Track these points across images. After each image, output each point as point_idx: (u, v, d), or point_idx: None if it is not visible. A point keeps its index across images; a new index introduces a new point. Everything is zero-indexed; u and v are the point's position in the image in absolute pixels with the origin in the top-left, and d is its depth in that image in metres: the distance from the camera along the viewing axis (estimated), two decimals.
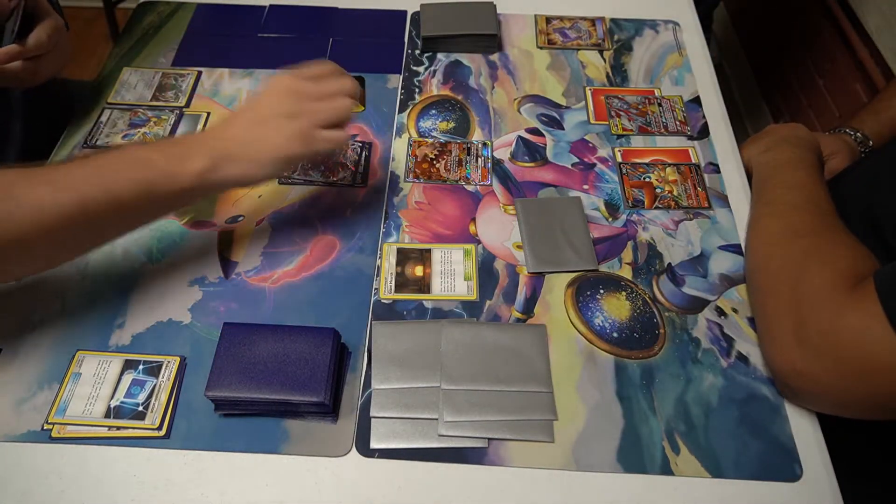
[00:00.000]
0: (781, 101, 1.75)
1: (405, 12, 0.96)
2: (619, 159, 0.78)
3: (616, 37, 0.93)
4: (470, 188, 0.75)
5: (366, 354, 0.61)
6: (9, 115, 0.80)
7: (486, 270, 0.67)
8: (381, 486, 0.54)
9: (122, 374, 0.59)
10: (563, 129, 0.81)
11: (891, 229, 0.64)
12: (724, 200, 0.74)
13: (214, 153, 0.57)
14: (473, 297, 0.65)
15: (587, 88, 0.86)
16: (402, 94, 0.85)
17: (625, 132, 0.81)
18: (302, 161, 0.69)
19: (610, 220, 0.72)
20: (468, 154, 0.78)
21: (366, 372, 0.60)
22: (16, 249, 0.50)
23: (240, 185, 0.62)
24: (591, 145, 0.80)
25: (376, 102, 0.84)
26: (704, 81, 0.87)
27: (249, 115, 0.60)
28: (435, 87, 0.86)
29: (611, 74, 0.88)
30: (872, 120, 0.86)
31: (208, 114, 0.82)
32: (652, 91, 0.86)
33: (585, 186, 0.75)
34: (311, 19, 0.95)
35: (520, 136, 0.80)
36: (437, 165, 0.77)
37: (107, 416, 0.57)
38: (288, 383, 0.55)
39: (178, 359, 0.60)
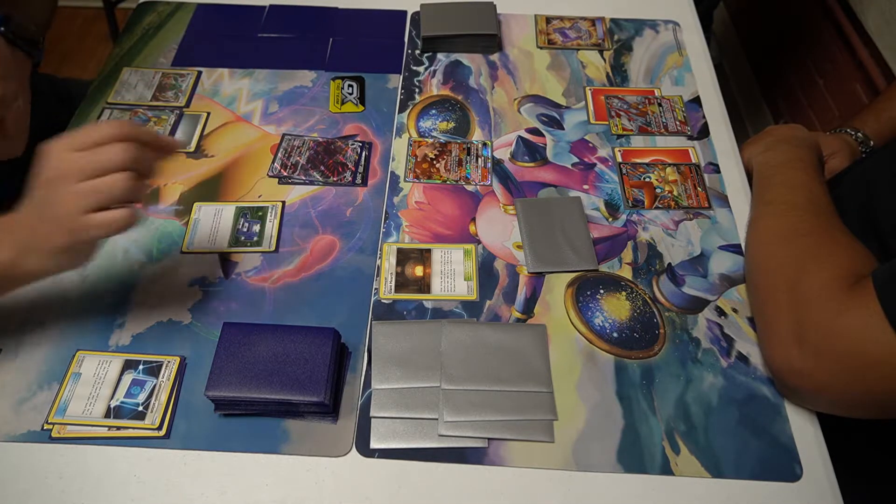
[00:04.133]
0: (781, 101, 1.75)
1: (405, 12, 0.96)
2: (619, 159, 0.78)
3: (616, 37, 0.93)
4: (470, 188, 0.75)
5: (366, 354, 0.61)
6: None
7: (486, 270, 0.67)
8: (381, 486, 0.54)
9: (122, 374, 0.59)
10: (563, 129, 0.81)
11: (890, 229, 0.64)
12: (724, 200, 0.74)
13: (18, 243, 0.52)
14: (473, 297, 0.65)
15: (587, 88, 0.86)
16: (402, 94, 0.85)
17: (625, 132, 0.81)
18: (84, 249, 0.54)
19: (610, 220, 0.72)
20: (468, 154, 0.78)
21: (366, 372, 0.60)
22: None
23: (40, 278, 0.55)
24: (591, 145, 0.80)
25: (376, 102, 0.84)
26: (704, 81, 0.87)
27: (34, 194, 0.53)
28: (435, 87, 0.86)
29: (611, 74, 0.88)
30: (873, 120, 0.86)
31: (208, 114, 0.82)
32: (652, 91, 0.86)
33: (585, 186, 0.75)
34: (311, 19, 0.95)
35: (520, 136, 0.80)
36: (437, 165, 0.77)
37: (107, 416, 0.57)
38: (288, 383, 0.55)
39: (178, 359, 0.60)
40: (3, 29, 0.68)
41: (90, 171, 0.50)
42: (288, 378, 0.55)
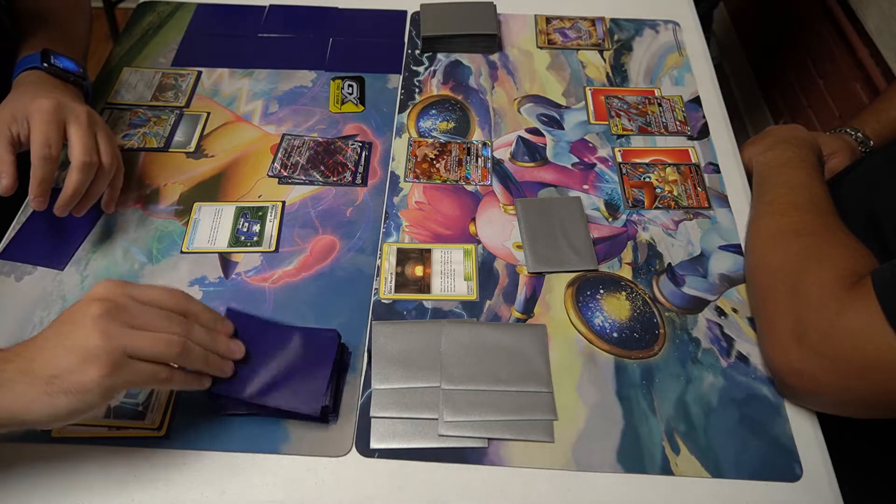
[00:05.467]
0: (781, 101, 1.75)
1: (405, 12, 0.96)
2: (619, 159, 0.78)
3: (616, 37, 0.93)
4: (470, 188, 0.75)
5: (366, 354, 0.61)
6: None
7: (486, 270, 0.67)
8: (381, 486, 0.54)
9: None
10: (563, 129, 0.81)
11: (890, 229, 0.64)
12: (724, 200, 0.74)
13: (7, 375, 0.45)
14: (473, 297, 0.65)
15: (587, 88, 0.86)
16: (402, 94, 0.85)
17: (625, 132, 0.81)
18: (102, 399, 0.46)
19: (610, 220, 0.72)
20: (468, 154, 0.78)
21: (366, 372, 0.60)
22: None
23: (26, 423, 0.45)
24: (591, 145, 0.80)
25: (376, 102, 0.84)
26: (704, 81, 0.87)
27: (53, 326, 0.47)
28: (435, 87, 0.86)
29: (611, 74, 0.88)
30: (873, 120, 0.86)
31: (208, 114, 0.82)
32: (652, 91, 0.86)
33: (585, 186, 0.75)
34: (311, 19, 0.95)
35: (520, 136, 0.80)
36: (437, 165, 0.77)
37: (107, 416, 0.57)
38: (289, 392, 0.55)
39: None
40: (45, 66, 0.68)
41: (141, 325, 0.47)
42: (288, 385, 0.55)
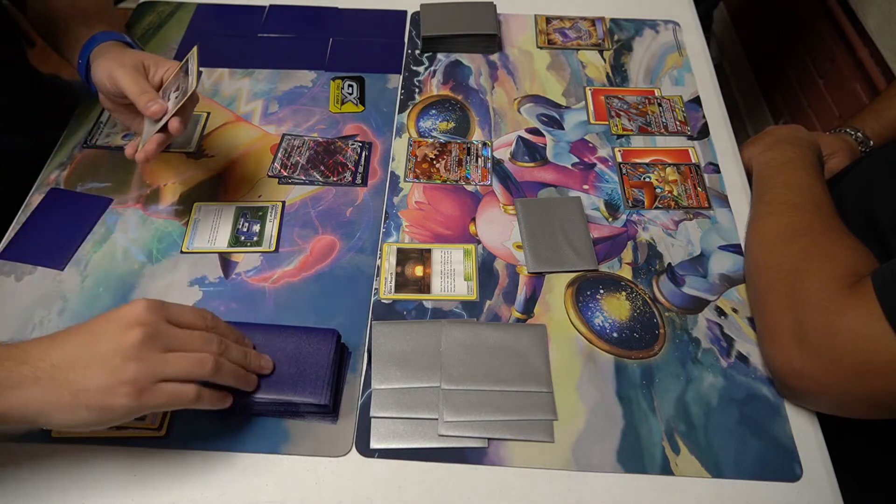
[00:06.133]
0: (781, 101, 1.75)
1: (405, 12, 0.96)
2: (619, 159, 0.78)
3: (616, 37, 0.93)
4: (470, 188, 0.75)
5: (366, 354, 0.61)
6: (9, 115, 0.80)
7: (486, 270, 0.67)
8: (381, 486, 0.54)
9: None
10: (563, 129, 0.81)
11: (890, 229, 0.64)
12: (724, 200, 0.74)
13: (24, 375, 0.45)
14: (473, 297, 0.65)
15: (587, 88, 0.86)
16: (402, 94, 0.85)
17: (625, 132, 0.81)
18: (123, 418, 0.47)
19: (610, 220, 0.72)
20: (468, 154, 0.78)
21: (366, 372, 0.60)
22: None
23: (38, 424, 0.46)
24: (591, 145, 0.80)
25: (376, 102, 0.84)
26: (704, 81, 0.87)
27: (84, 337, 0.47)
28: (435, 87, 0.86)
29: (611, 74, 0.88)
30: (873, 120, 0.86)
31: (208, 114, 0.82)
32: (652, 91, 0.86)
33: (585, 186, 0.75)
34: (311, 19, 0.95)
35: (520, 136, 0.80)
36: (437, 165, 0.77)
37: None
38: (289, 384, 0.55)
39: None
40: (119, 39, 0.73)
41: (177, 348, 0.48)
42: (289, 379, 0.55)
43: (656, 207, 0.73)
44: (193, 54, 0.63)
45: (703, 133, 0.81)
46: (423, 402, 0.57)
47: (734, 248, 0.69)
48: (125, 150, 0.64)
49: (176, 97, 0.63)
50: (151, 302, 0.49)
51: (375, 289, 0.66)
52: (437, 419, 0.57)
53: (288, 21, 0.94)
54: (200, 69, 0.61)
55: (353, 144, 0.79)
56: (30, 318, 0.63)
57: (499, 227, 0.71)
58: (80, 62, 0.72)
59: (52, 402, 0.45)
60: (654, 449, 0.56)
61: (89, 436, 0.56)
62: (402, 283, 0.66)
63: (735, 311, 0.65)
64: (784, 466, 0.55)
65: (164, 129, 0.63)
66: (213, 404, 0.51)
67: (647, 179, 0.76)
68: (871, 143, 0.84)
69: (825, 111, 1.53)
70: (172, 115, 0.61)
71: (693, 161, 0.78)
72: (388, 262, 0.68)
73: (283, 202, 0.73)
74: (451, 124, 0.82)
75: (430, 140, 0.80)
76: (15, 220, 0.71)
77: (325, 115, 0.82)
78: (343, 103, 0.84)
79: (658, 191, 0.75)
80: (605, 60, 0.90)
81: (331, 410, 0.57)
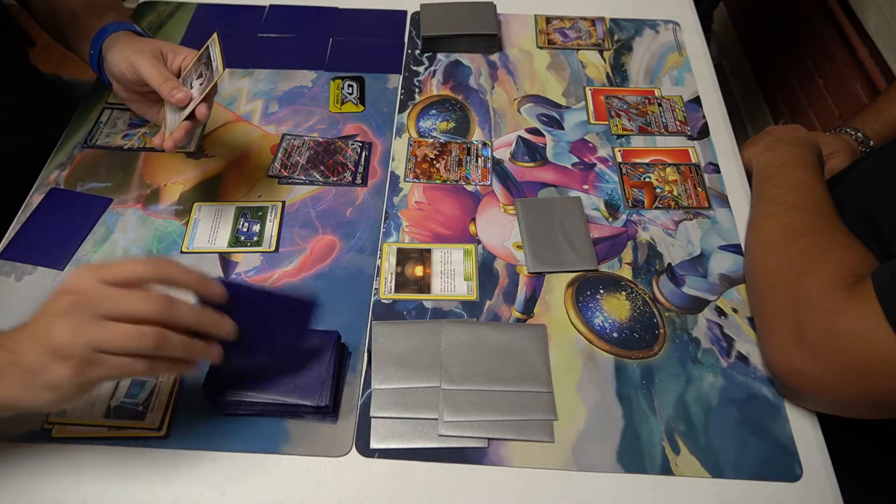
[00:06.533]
0: (781, 101, 1.75)
1: (405, 12, 0.96)
2: (619, 159, 0.78)
3: (616, 37, 0.93)
4: (470, 188, 0.75)
5: (366, 354, 0.61)
6: (9, 115, 0.80)
7: (486, 270, 0.67)
8: (381, 486, 0.54)
9: None
10: (563, 129, 0.81)
11: (890, 229, 0.64)
12: (724, 200, 0.74)
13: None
14: (473, 297, 0.65)
15: (587, 88, 0.86)
16: (402, 94, 0.85)
17: (625, 132, 0.81)
18: (75, 392, 0.45)
19: (610, 220, 0.72)
20: (468, 154, 0.78)
21: (366, 372, 0.60)
22: None
23: (20, 410, 0.46)
24: (591, 145, 0.80)
25: (376, 102, 0.84)
26: (704, 81, 0.87)
27: (35, 321, 0.46)
28: (435, 87, 0.86)
29: (611, 74, 0.88)
30: (873, 120, 0.86)
31: None
32: (652, 91, 0.86)
33: (585, 186, 0.75)
34: (311, 19, 0.95)
35: (520, 136, 0.80)
36: (437, 165, 0.77)
37: (107, 416, 0.57)
38: (289, 385, 0.55)
39: None
40: (131, 28, 0.73)
41: (115, 313, 0.44)
42: (289, 380, 0.55)
43: (656, 207, 0.73)
44: (214, 41, 0.63)
45: (703, 133, 0.81)
46: (423, 402, 0.57)
47: (734, 248, 0.69)
48: (153, 141, 0.65)
49: (200, 84, 0.63)
50: (86, 266, 0.46)
51: (375, 289, 0.66)
52: (437, 419, 0.57)
53: (288, 21, 0.94)
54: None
55: (353, 144, 0.79)
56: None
57: (499, 227, 0.71)
58: (93, 53, 0.72)
59: (19, 387, 0.44)
60: (654, 449, 0.56)
61: (89, 435, 0.56)
62: (402, 283, 0.66)
63: (735, 311, 0.65)
64: (784, 466, 0.55)
65: (189, 116, 0.63)
66: (172, 372, 0.47)
67: (647, 179, 0.76)
68: (871, 143, 0.84)
69: (825, 111, 1.53)
70: (200, 102, 0.61)
71: (693, 161, 0.78)
72: (388, 262, 0.68)
73: (283, 202, 0.73)
74: (451, 124, 0.82)
75: (430, 140, 0.80)
76: (15, 220, 0.71)
77: (325, 115, 0.82)
78: (343, 103, 0.84)
79: (658, 191, 0.75)
80: (605, 60, 0.90)
81: (331, 411, 0.57)
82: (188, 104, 0.62)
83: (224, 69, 0.60)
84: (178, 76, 0.66)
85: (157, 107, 0.69)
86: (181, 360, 0.48)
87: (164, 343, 0.44)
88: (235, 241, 0.69)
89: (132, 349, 0.44)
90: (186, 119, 0.63)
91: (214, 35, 0.63)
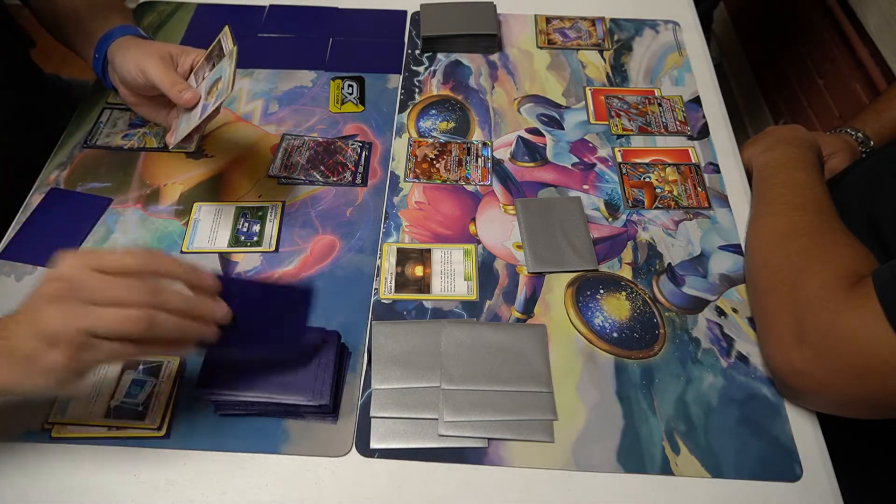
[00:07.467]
0: (781, 101, 1.75)
1: (405, 12, 0.96)
2: (619, 159, 0.78)
3: (616, 37, 0.93)
4: (470, 188, 0.75)
5: (366, 354, 0.61)
6: (10, 114, 0.80)
7: (486, 270, 0.67)
8: (381, 486, 0.54)
9: (122, 374, 0.59)
10: (563, 129, 0.81)
11: (890, 229, 0.64)
12: (724, 200, 0.74)
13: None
14: (473, 297, 0.65)
15: (587, 88, 0.86)
16: (402, 94, 0.85)
17: (625, 132, 0.81)
18: (69, 377, 0.45)
19: (610, 220, 0.72)
20: (468, 154, 0.78)
21: (366, 372, 0.60)
22: None
23: (16, 395, 0.47)
24: (591, 145, 0.80)
25: (376, 102, 0.84)
26: (704, 81, 0.87)
27: (28, 307, 0.46)
28: (435, 87, 0.86)
29: (611, 74, 0.88)
30: (874, 120, 0.86)
31: None
32: (652, 91, 0.86)
33: (585, 186, 0.75)
34: (311, 19, 0.95)
35: (520, 136, 0.80)
36: (437, 165, 0.77)
37: (107, 416, 0.57)
38: (289, 385, 0.55)
39: (177, 359, 0.60)
40: (137, 32, 0.73)
41: (102, 299, 0.44)
42: (289, 380, 0.55)
43: (656, 207, 0.73)
44: (226, 33, 0.63)
45: (703, 133, 0.81)
46: (423, 402, 0.57)
47: (734, 248, 0.69)
48: (165, 138, 0.65)
49: (212, 76, 0.63)
50: (75, 253, 0.46)
51: (375, 289, 0.66)
52: (437, 419, 0.57)
53: (288, 21, 0.94)
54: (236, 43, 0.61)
55: (353, 144, 0.79)
56: None
57: (499, 227, 0.71)
58: (97, 56, 0.72)
59: (16, 373, 0.45)
60: (654, 449, 0.56)
61: (89, 436, 0.56)
62: (402, 283, 0.66)
63: (735, 311, 0.65)
64: (784, 466, 0.55)
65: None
66: (169, 354, 0.47)
67: (647, 179, 0.76)
68: (872, 143, 0.84)
69: (825, 111, 1.53)
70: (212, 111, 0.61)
71: (693, 161, 0.78)
72: (388, 262, 0.68)
73: (283, 202, 0.73)
74: (451, 124, 0.82)
75: (430, 140, 0.80)
76: (15, 220, 0.71)
77: (325, 115, 0.82)
78: (343, 103, 0.84)
79: (658, 191, 0.75)
80: (605, 60, 0.90)
81: (331, 410, 0.57)
82: (197, 105, 0.63)
83: (236, 59, 0.60)
84: (188, 77, 0.66)
85: (165, 111, 0.69)
86: (177, 342, 0.47)
87: (154, 324, 0.44)
88: (235, 241, 0.69)
89: (123, 332, 0.44)
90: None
91: (226, 28, 0.64)
